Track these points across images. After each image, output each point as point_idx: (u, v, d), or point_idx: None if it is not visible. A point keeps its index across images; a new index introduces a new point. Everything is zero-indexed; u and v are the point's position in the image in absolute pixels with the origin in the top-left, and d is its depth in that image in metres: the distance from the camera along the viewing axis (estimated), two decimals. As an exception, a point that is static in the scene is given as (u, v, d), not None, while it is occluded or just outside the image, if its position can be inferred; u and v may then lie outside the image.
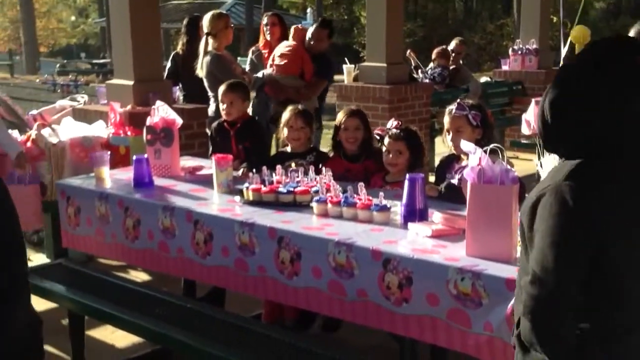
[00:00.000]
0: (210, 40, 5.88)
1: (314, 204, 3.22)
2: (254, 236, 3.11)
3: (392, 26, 7.03)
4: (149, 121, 4.11)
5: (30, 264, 5.07)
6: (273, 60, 6.31)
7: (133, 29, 5.39)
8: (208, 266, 3.32)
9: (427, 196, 3.08)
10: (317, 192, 3.29)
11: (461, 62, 8.94)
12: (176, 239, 3.42)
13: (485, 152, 2.58)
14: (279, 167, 3.56)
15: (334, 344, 3.56)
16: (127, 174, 3.98)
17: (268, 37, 6.65)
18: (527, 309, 1.70)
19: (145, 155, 3.91)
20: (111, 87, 5.76)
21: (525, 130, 7.59)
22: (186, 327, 3.12)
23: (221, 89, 4.55)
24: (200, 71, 5.89)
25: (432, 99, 7.41)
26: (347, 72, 7.44)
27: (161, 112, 4.10)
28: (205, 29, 5.92)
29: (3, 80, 26.18)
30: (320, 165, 3.60)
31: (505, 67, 9.69)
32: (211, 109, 5.85)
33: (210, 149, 4.85)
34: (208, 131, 5.34)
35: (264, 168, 3.48)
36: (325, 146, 5.96)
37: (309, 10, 27.60)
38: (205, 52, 5.86)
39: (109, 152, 4.14)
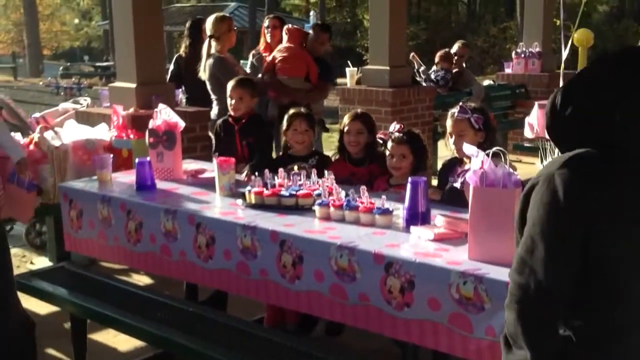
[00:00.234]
0: (213, 43, 5.89)
1: (316, 207, 3.21)
2: (256, 239, 3.10)
3: (395, 29, 7.01)
4: (151, 124, 4.11)
5: (32, 268, 5.10)
6: (273, 62, 6.29)
7: (136, 31, 5.39)
8: (210, 269, 3.31)
9: (429, 199, 3.07)
10: (319, 195, 3.28)
11: (464, 65, 8.93)
12: (178, 242, 3.41)
13: (487, 155, 2.57)
14: (281, 170, 3.55)
15: (335, 348, 3.55)
16: (129, 177, 3.98)
17: (269, 40, 6.65)
18: (513, 297, 1.64)
19: (148, 158, 3.91)
20: (114, 90, 5.76)
21: (528, 133, 7.58)
22: (188, 331, 3.13)
23: (230, 84, 4.57)
24: (203, 74, 5.90)
25: (435, 102, 7.39)
26: (350, 75, 7.43)
27: (164, 115, 4.09)
28: (208, 32, 5.93)
29: (6, 83, 26.24)
30: (324, 169, 3.59)
31: (508, 70, 9.69)
32: (214, 112, 5.85)
33: (214, 145, 4.85)
34: (210, 134, 5.34)
35: (266, 171, 3.48)
36: (328, 149, 5.96)
37: (312, 13, 27.58)
38: (208, 55, 5.87)
39: (111, 155, 4.15)
